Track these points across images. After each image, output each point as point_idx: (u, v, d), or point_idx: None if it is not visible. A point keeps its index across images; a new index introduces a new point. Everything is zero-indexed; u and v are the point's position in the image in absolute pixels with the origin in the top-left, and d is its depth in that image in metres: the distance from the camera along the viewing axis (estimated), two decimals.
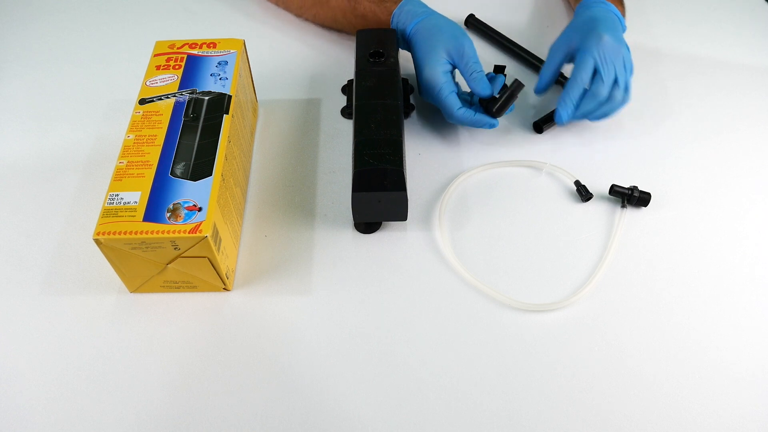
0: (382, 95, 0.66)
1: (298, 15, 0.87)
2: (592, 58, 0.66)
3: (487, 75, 0.69)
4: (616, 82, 0.67)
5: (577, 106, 0.68)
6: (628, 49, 0.70)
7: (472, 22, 0.88)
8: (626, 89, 0.69)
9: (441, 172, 0.70)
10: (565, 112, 0.68)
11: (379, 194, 0.58)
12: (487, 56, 0.84)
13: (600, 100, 0.67)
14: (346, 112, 0.76)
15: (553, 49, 0.72)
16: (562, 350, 0.56)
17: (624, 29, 0.74)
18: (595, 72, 0.67)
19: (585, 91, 0.68)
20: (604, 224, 0.65)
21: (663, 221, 0.65)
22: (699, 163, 0.71)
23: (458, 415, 0.52)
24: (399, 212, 0.60)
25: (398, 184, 0.58)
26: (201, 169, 0.56)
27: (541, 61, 0.81)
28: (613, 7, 0.73)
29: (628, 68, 0.69)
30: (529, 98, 0.78)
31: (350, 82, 0.78)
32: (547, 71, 0.73)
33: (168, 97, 0.62)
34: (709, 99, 0.79)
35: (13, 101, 0.78)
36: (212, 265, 0.55)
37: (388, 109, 0.64)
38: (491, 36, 0.86)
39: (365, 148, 0.60)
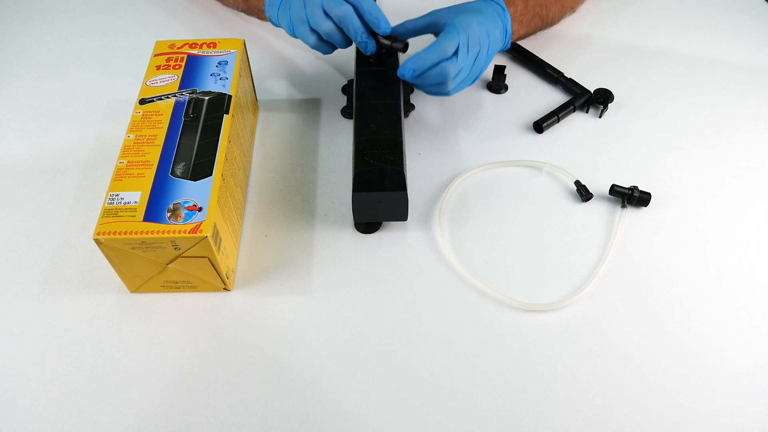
0: (382, 95, 0.66)
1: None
2: (458, 36, 0.63)
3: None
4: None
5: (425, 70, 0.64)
6: (488, 57, 0.68)
7: None
8: (459, 82, 0.66)
9: (441, 172, 0.70)
10: (412, 65, 0.63)
11: (379, 194, 0.58)
12: None
13: (442, 77, 0.64)
14: (346, 112, 0.75)
15: (428, 14, 0.69)
16: (562, 350, 0.56)
17: (505, 46, 0.72)
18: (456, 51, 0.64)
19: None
20: (604, 224, 0.65)
21: (663, 221, 0.65)
22: (699, 163, 0.71)
23: (458, 415, 0.52)
24: (399, 212, 0.60)
25: (399, 184, 0.58)
26: (201, 169, 0.56)
27: (543, 62, 0.81)
28: (507, 20, 0.70)
29: (473, 72, 0.67)
30: (528, 98, 0.78)
31: (350, 81, 0.77)
32: (409, 24, 0.70)
33: (168, 97, 0.62)
34: (709, 99, 0.79)
35: (13, 101, 0.78)
36: (212, 265, 0.55)
37: (388, 109, 0.64)
38: None
39: (365, 148, 0.60)
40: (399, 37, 0.68)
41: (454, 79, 0.65)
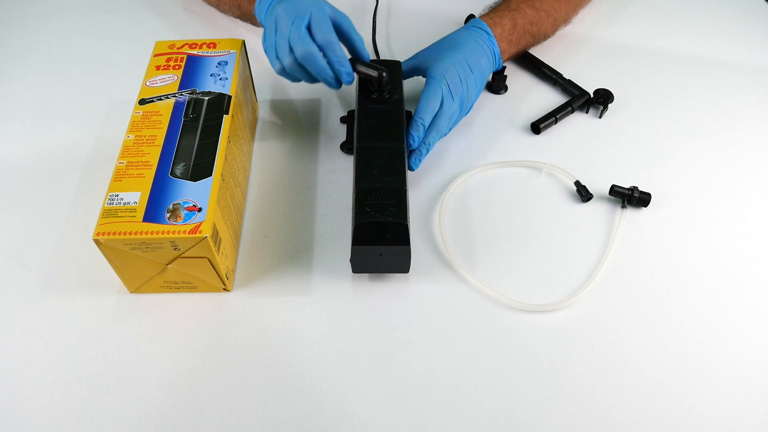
0: (385, 137, 0.62)
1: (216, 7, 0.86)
2: (440, 87, 0.66)
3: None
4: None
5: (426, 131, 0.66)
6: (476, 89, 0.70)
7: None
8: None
9: (441, 172, 0.70)
10: (417, 134, 0.64)
11: (380, 248, 0.55)
12: None
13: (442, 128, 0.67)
14: (345, 147, 0.71)
15: (414, 57, 0.72)
16: (562, 350, 0.56)
17: (497, 67, 0.74)
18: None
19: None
20: (604, 224, 0.65)
21: (663, 221, 0.65)
22: (699, 163, 0.71)
23: (458, 415, 0.52)
24: (401, 265, 0.58)
25: (401, 238, 0.55)
26: (201, 169, 0.56)
27: (542, 63, 0.81)
28: (493, 44, 0.72)
29: (463, 108, 0.69)
30: (528, 99, 0.78)
31: (350, 113, 0.74)
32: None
33: (168, 98, 0.62)
34: (709, 99, 0.79)
35: (13, 101, 0.78)
36: (212, 265, 0.55)
37: (391, 154, 0.60)
38: None
39: (367, 198, 0.57)
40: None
41: (450, 120, 0.67)
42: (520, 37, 0.76)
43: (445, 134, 0.69)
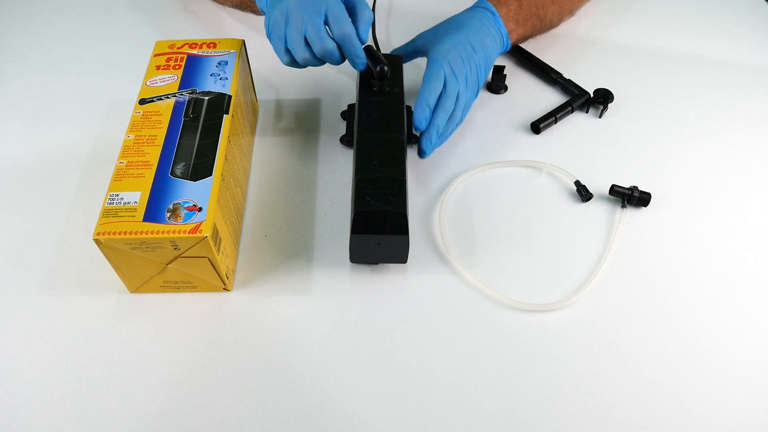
0: (385, 128, 0.62)
1: None
2: (441, 69, 0.64)
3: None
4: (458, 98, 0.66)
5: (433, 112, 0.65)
6: (483, 70, 0.69)
7: None
8: (464, 107, 0.67)
9: (441, 172, 0.70)
10: (422, 115, 0.63)
11: (379, 237, 0.56)
12: None
13: (447, 113, 0.65)
14: (345, 140, 0.72)
15: (416, 38, 0.71)
16: (562, 350, 0.56)
17: (505, 49, 0.74)
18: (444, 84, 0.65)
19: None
20: (604, 224, 0.65)
21: (663, 221, 0.65)
22: (699, 163, 0.71)
23: (458, 415, 0.52)
24: (399, 255, 0.58)
25: (400, 227, 0.56)
26: (201, 169, 0.56)
27: (542, 63, 0.81)
28: (499, 23, 0.71)
29: (471, 87, 0.68)
30: (528, 99, 0.78)
31: (350, 107, 0.74)
32: (398, 51, 0.73)
33: (168, 97, 0.62)
34: (709, 99, 0.79)
35: (13, 101, 0.78)
36: (212, 265, 0.55)
37: (391, 145, 0.60)
38: None
39: (367, 187, 0.57)
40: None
41: (458, 103, 0.66)
42: (527, 18, 0.75)
43: (459, 119, 0.67)
